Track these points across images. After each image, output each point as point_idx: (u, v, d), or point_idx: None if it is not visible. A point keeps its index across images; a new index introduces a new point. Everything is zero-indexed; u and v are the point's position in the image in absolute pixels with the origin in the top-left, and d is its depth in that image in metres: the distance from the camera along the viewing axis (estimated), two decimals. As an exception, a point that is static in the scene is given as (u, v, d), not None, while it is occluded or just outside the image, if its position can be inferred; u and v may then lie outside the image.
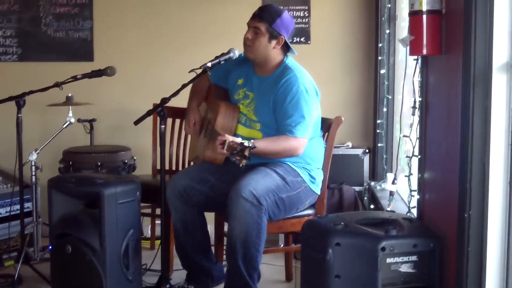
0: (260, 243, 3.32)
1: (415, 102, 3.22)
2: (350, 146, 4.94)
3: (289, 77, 3.44)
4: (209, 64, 3.44)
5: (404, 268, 2.82)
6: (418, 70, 3.17)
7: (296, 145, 3.40)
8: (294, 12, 4.99)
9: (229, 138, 3.10)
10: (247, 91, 3.60)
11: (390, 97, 4.64)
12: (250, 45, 3.49)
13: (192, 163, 4.07)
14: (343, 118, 3.71)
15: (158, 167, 4.12)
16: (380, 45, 4.68)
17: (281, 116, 3.44)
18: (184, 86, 3.42)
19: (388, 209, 3.74)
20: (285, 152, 3.42)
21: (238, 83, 3.67)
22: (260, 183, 3.31)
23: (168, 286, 3.49)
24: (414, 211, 3.30)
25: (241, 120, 3.60)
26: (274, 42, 3.48)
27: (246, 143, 3.03)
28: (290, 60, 3.56)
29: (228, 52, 3.52)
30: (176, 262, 3.88)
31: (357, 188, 4.74)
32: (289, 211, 3.51)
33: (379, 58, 4.70)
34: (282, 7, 3.58)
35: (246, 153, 3.01)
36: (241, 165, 3.06)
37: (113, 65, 4.04)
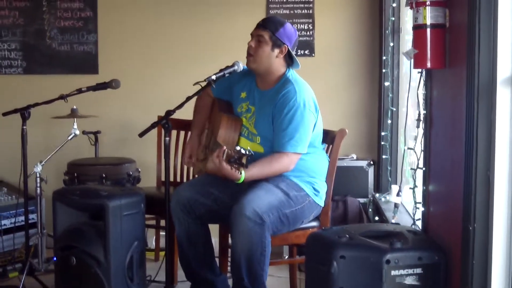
0: (265, 260, 3.32)
1: (419, 114, 3.23)
2: (355, 158, 4.94)
3: (288, 90, 3.44)
4: (214, 77, 3.44)
5: (409, 281, 2.82)
6: (422, 83, 3.18)
7: (287, 162, 3.40)
8: (299, 24, 5.01)
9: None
10: (249, 105, 3.61)
11: (394, 109, 4.64)
12: (253, 54, 3.49)
13: (196, 176, 4.08)
14: (347, 130, 3.71)
15: (163, 179, 4.12)
16: (384, 58, 4.70)
17: (276, 128, 3.44)
18: (188, 98, 3.43)
19: (393, 221, 3.74)
20: (278, 172, 3.43)
21: (241, 96, 3.67)
22: (263, 200, 3.30)
23: (172, 298, 3.49)
24: (419, 224, 3.30)
25: (244, 133, 3.60)
26: (277, 51, 3.48)
27: (243, 151, 3.03)
28: (292, 73, 3.55)
29: (233, 65, 3.52)
30: (180, 274, 3.87)
31: (362, 200, 4.74)
32: (293, 226, 3.51)
33: (383, 70, 4.71)
34: (286, 20, 3.60)
35: (244, 160, 3.01)
36: (239, 173, 3.08)
37: (118, 78, 4.05)
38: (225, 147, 3.12)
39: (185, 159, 3.84)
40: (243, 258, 3.28)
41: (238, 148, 3.06)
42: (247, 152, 3.02)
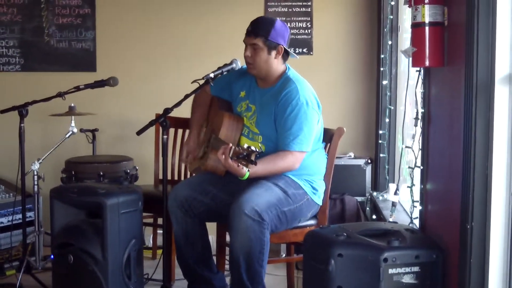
0: (263, 258, 3.32)
1: (417, 113, 3.23)
2: (352, 156, 4.94)
3: (290, 89, 3.44)
4: (212, 75, 3.44)
5: (407, 279, 2.82)
6: (420, 81, 3.18)
7: (293, 160, 3.40)
8: (297, 23, 5.01)
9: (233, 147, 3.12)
10: (249, 104, 3.61)
11: (392, 108, 4.65)
12: (251, 62, 3.49)
13: (194, 175, 4.07)
14: (345, 129, 3.71)
15: (160, 177, 4.12)
16: (382, 56, 4.69)
17: (280, 128, 3.44)
18: (186, 96, 3.43)
19: (390, 220, 3.73)
20: (283, 170, 3.43)
21: (240, 95, 3.67)
22: (261, 198, 3.30)
23: (169, 296, 3.49)
24: (417, 222, 3.30)
25: (244, 132, 3.60)
26: (274, 53, 3.48)
27: (253, 147, 3.02)
28: (292, 72, 3.56)
29: (231, 63, 3.53)
30: (178, 272, 3.87)
31: (359, 199, 4.74)
32: (291, 224, 3.50)
33: (381, 69, 4.71)
34: (284, 18, 3.59)
35: (253, 157, 3.00)
36: (246, 170, 3.07)
37: (116, 75, 4.05)
38: (231, 144, 3.12)
39: (182, 158, 3.84)
40: (242, 256, 3.28)
41: (246, 145, 3.06)
42: (257, 150, 3.02)
